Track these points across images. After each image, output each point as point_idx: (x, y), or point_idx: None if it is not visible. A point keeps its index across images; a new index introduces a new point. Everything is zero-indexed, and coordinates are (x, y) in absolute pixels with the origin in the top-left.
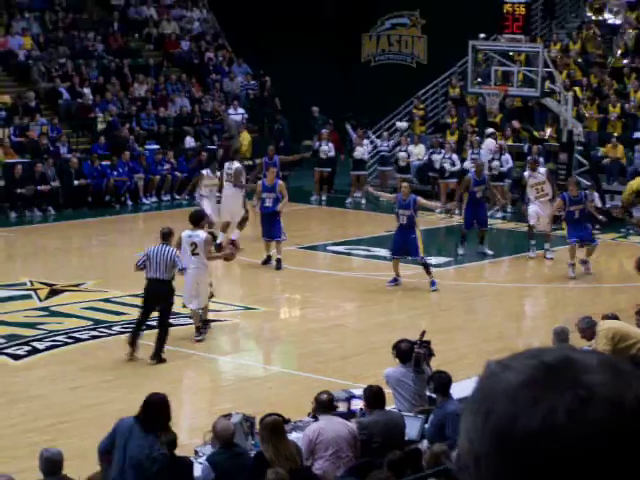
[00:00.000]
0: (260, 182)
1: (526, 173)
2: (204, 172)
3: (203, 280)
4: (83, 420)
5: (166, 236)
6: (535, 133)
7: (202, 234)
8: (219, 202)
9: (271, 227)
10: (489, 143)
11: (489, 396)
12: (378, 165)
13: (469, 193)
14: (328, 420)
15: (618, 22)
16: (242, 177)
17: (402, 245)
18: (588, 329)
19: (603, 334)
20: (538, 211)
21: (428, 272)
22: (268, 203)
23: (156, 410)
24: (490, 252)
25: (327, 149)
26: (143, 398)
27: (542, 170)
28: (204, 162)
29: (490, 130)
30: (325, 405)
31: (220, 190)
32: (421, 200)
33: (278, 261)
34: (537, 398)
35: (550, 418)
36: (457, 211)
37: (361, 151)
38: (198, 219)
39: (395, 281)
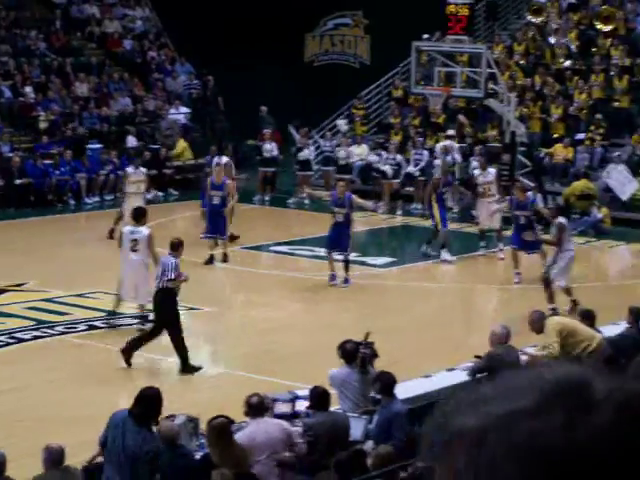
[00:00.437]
0: (209, 179)
1: (476, 172)
2: (128, 169)
3: (142, 278)
4: (33, 420)
5: (174, 246)
6: (480, 135)
7: (145, 230)
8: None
9: (217, 225)
10: (447, 145)
11: (501, 425)
12: (321, 165)
13: (438, 194)
14: (260, 423)
15: (561, 41)
16: (233, 170)
17: (335, 241)
18: (537, 322)
19: (552, 328)
20: (484, 212)
21: (346, 269)
22: (216, 201)
23: (150, 404)
24: (434, 253)
25: (270, 149)
26: (91, 398)
27: (492, 170)
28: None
29: (450, 132)
30: (256, 408)
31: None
32: (356, 199)
33: (225, 255)
34: (565, 423)
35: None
36: (399, 212)
37: (306, 152)
38: (140, 215)
39: (333, 278)
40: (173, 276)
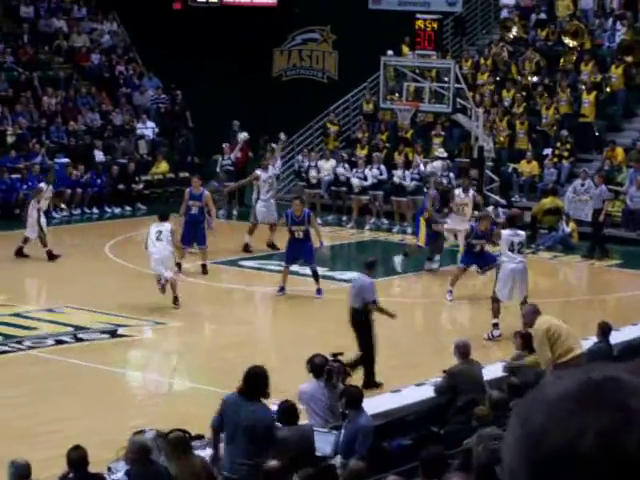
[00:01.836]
0: (188, 190)
1: (457, 191)
2: (42, 185)
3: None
4: None
5: (368, 266)
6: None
7: (167, 225)
8: None
9: (195, 234)
10: (436, 164)
11: (530, 405)
12: (298, 180)
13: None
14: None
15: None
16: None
17: (296, 253)
18: (529, 315)
19: (539, 328)
20: (453, 227)
21: (316, 280)
22: (194, 211)
23: (257, 380)
24: (435, 266)
25: (231, 162)
26: (58, 414)
27: (472, 193)
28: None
29: (441, 150)
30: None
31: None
32: (314, 220)
33: (204, 266)
34: (571, 414)
35: (578, 438)
36: (368, 226)
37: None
38: (165, 216)
39: (282, 290)
40: (374, 299)
